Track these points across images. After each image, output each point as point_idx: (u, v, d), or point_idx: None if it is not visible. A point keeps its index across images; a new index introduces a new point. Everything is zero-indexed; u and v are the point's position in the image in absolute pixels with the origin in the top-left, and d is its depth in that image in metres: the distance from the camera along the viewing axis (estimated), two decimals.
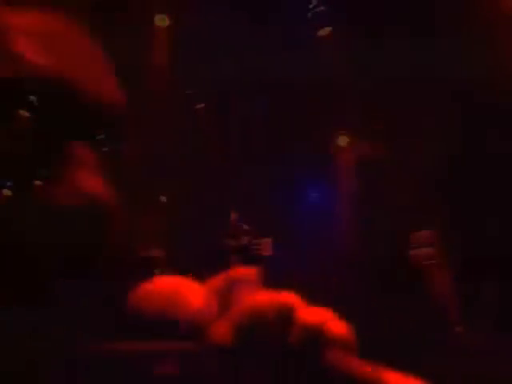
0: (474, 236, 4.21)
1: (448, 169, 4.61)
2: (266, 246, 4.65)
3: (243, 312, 0.59)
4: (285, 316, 0.60)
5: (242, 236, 4.68)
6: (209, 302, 0.60)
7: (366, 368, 0.61)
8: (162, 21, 5.20)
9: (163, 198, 5.31)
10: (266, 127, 5.52)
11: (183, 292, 0.62)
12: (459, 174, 4.58)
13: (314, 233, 5.02)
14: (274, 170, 5.29)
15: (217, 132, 5.58)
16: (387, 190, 4.91)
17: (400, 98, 4.85)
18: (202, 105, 5.56)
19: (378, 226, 4.81)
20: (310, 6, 5.17)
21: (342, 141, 5.72)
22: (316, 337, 0.60)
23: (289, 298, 0.62)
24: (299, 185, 5.45)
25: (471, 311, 4.13)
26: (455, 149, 4.53)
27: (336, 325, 0.64)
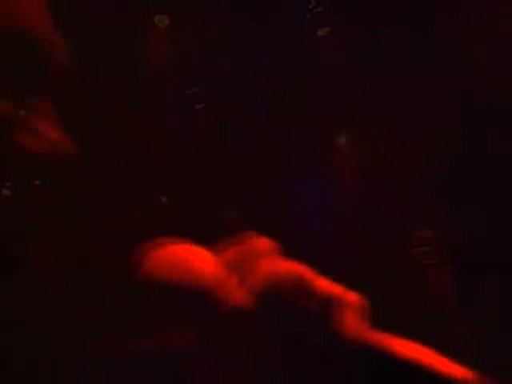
0: (473, 236, 4.21)
1: (448, 169, 4.61)
2: None
3: (263, 280, 0.59)
4: (303, 285, 0.60)
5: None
6: (223, 271, 0.59)
7: (379, 336, 0.61)
8: (161, 21, 5.19)
9: (163, 198, 5.31)
10: (266, 127, 5.52)
11: (194, 260, 0.60)
12: (459, 174, 4.58)
13: (314, 232, 5.02)
14: (273, 170, 5.29)
15: (217, 132, 5.58)
16: (387, 189, 4.91)
17: (400, 97, 4.85)
18: (202, 105, 5.56)
19: (377, 226, 4.81)
20: (310, 6, 5.17)
21: (342, 140, 5.72)
22: (334, 305, 0.60)
23: (306, 269, 0.63)
24: (299, 184, 5.45)
25: (471, 311, 4.13)
26: (455, 149, 4.53)
27: (352, 295, 0.64)
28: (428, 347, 0.64)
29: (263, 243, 0.67)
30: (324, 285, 0.64)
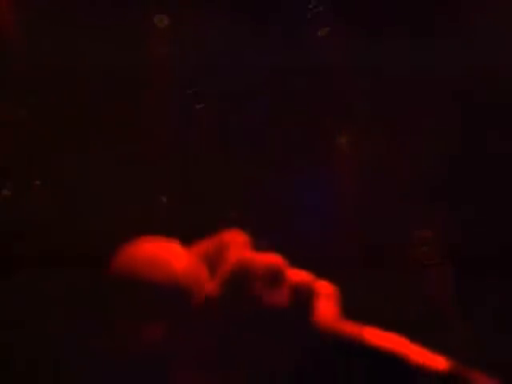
0: (473, 236, 4.21)
1: (448, 169, 4.62)
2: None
3: (232, 268, 0.59)
4: (274, 273, 0.60)
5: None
6: (195, 265, 0.59)
7: (350, 326, 0.62)
8: (161, 21, 5.19)
9: (163, 198, 5.31)
10: (266, 127, 5.52)
11: (165, 255, 0.61)
12: (459, 174, 4.58)
13: (314, 232, 5.02)
14: (273, 170, 5.29)
15: (217, 132, 5.58)
16: (387, 189, 4.91)
17: (400, 97, 4.85)
18: (202, 105, 5.56)
19: (377, 226, 4.81)
20: (310, 6, 5.17)
21: (342, 140, 5.72)
22: (306, 295, 0.61)
23: (277, 258, 0.63)
24: (299, 184, 5.45)
25: (471, 311, 4.13)
26: (455, 149, 4.53)
27: (323, 284, 0.64)
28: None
29: (235, 236, 0.67)
30: (295, 273, 0.64)
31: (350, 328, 0.61)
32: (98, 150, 4.62)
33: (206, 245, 0.65)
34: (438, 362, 0.59)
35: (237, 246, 0.63)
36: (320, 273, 0.68)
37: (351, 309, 0.66)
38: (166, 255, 0.63)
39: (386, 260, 4.56)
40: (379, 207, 4.89)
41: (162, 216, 5.03)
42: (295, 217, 5.22)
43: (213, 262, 0.63)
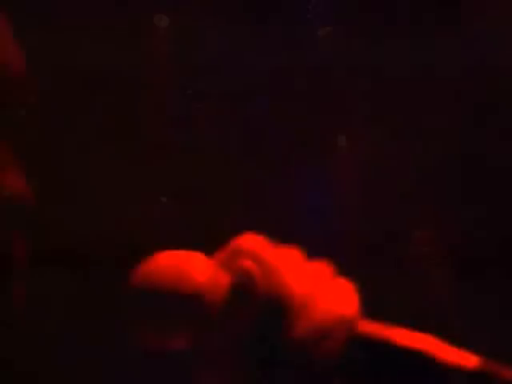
0: (473, 236, 4.22)
1: (448, 169, 4.62)
2: None
3: (233, 274, 0.60)
4: (277, 275, 0.61)
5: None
6: (215, 274, 0.60)
7: (373, 325, 0.61)
8: (161, 21, 5.19)
9: (163, 198, 5.31)
10: (266, 127, 5.52)
11: (185, 266, 0.61)
12: (459, 174, 4.59)
13: (314, 232, 5.02)
14: (274, 170, 5.29)
15: (217, 132, 5.58)
16: (387, 189, 4.91)
17: (400, 97, 4.85)
18: (202, 105, 5.56)
19: (377, 226, 4.81)
20: (310, 6, 5.17)
21: (342, 140, 5.72)
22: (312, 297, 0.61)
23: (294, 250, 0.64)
24: (299, 184, 5.45)
25: (471, 311, 4.14)
26: (455, 149, 4.54)
27: (341, 282, 0.64)
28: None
29: (247, 240, 0.67)
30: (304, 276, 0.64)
31: (373, 327, 0.61)
32: (98, 149, 4.62)
33: (223, 252, 0.66)
34: (469, 360, 0.59)
35: (247, 252, 0.63)
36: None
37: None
38: (186, 266, 0.63)
39: (385, 260, 4.56)
40: (379, 207, 4.89)
41: (162, 216, 5.03)
42: (295, 217, 5.22)
43: (231, 267, 0.63)
